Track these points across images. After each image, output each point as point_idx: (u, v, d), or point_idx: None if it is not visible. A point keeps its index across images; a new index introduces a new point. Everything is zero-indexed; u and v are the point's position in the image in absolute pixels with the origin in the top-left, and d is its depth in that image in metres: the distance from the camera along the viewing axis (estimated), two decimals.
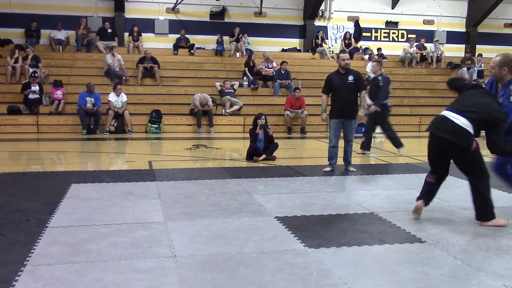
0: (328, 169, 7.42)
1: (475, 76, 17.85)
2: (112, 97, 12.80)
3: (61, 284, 3.23)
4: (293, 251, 3.92)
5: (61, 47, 16.35)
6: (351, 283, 3.31)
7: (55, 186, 6.22)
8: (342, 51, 7.64)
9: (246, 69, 15.86)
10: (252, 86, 15.45)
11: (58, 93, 13.19)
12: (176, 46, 17.26)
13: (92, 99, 12.64)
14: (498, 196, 5.97)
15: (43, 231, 4.33)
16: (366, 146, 9.63)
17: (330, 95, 7.48)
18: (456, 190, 6.29)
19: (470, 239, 4.30)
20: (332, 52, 18.88)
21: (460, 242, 4.23)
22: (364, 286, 3.28)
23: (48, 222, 4.60)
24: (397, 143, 9.30)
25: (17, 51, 14.34)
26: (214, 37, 17.64)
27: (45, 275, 3.37)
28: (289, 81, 15.40)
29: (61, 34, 16.37)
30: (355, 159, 8.53)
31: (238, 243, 4.13)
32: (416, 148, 10.74)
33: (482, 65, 18.33)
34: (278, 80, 15.31)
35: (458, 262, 3.75)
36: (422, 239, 4.23)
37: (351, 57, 18.50)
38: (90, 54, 16.22)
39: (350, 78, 7.18)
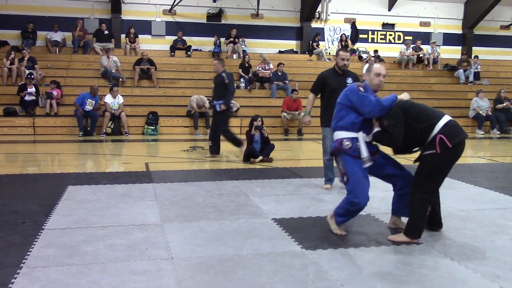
0: (327, 186, 6.45)
1: (471, 78, 17.91)
2: (108, 99, 12.78)
3: (57, 286, 3.22)
4: (290, 253, 3.92)
5: (57, 49, 16.32)
6: (348, 284, 3.31)
7: (52, 188, 6.20)
8: (343, 48, 6.76)
9: (240, 70, 15.88)
10: (248, 87, 15.46)
11: (54, 93, 13.15)
12: (173, 48, 17.25)
13: (93, 101, 12.63)
14: (494, 197, 5.99)
15: (39, 233, 4.32)
16: (215, 150, 9.05)
17: (320, 96, 6.55)
18: (452, 191, 6.30)
19: (467, 241, 4.31)
20: (329, 54, 18.91)
21: (457, 243, 4.23)
22: (360, 286, 3.28)
23: (45, 224, 4.59)
24: (237, 143, 8.95)
25: (13, 52, 14.32)
26: (211, 39, 17.64)
27: (41, 278, 3.36)
28: (286, 82, 15.39)
29: (57, 36, 16.34)
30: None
31: (235, 245, 4.12)
32: None
33: (479, 67, 18.39)
34: (274, 82, 15.33)
35: (455, 263, 3.76)
36: (419, 240, 4.23)
37: None
38: (87, 56, 16.20)
39: (349, 80, 6.24)
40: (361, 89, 4.30)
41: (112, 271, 3.50)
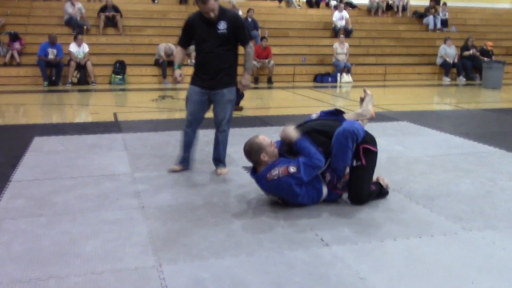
0: (176, 167, 4.82)
1: (439, 25, 17.97)
2: (73, 47, 12.38)
3: (27, 237, 3.21)
4: (261, 199, 3.97)
5: None
6: (317, 229, 3.39)
7: (17, 139, 6.07)
8: None
9: None
10: None
11: (16, 45, 12.68)
12: None
13: (54, 50, 12.20)
14: (459, 143, 6.15)
15: (7, 185, 4.26)
16: None
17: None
18: (419, 138, 6.44)
19: (432, 185, 4.44)
20: (299, 0, 18.62)
21: (422, 187, 4.36)
22: (329, 230, 3.37)
23: (12, 176, 4.52)
24: None
25: None
26: None
27: (10, 229, 3.33)
28: (258, 30, 15.15)
29: None
30: None
31: (206, 193, 4.16)
32: (382, 97, 10.87)
33: (446, 14, 18.43)
34: None
35: (419, 207, 3.88)
36: (387, 185, 4.33)
37: (318, 5, 18.30)
38: (49, 2, 15.53)
39: (222, 26, 4.49)
40: (292, 169, 3.62)
41: (83, 221, 3.49)
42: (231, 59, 4.70)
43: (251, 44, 4.78)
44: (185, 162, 4.83)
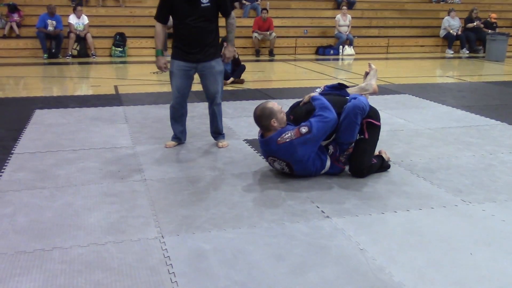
0: (171, 143, 4.77)
1: None
2: (72, 19, 12.27)
3: (30, 209, 3.23)
4: (261, 173, 3.99)
5: None
6: (318, 201, 3.42)
7: (18, 112, 6.07)
8: None
9: None
10: None
11: (15, 16, 12.56)
12: None
13: (54, 21, 12.09)
14: (460, 116, 6.14)
15: (9, 158, 4.27)
16: None
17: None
18: (421, 110, 6.42)
19: (433, 158, 4.45)
20: None
21: (423, 160, 4.37)
22: (329, 202, 3.39)
23: (14, 149, 4.54)
24: None
25: None
26: None
27: (14, 201, 3.36)
28: (258, 1, 14.98)
29: None
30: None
31: (208, 166, 4.17)
32: (384, 70, 10.80)
33: None
34: (243, 0, 14.87)
35: (420, 179, 3.90)
36: (390, 158, 4.34)
37: None
38: None
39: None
40: (304, 129, 3.68)
41: (85, 193, 3.52)
42: (214, 31, 4.55)
43: (233, 14, 4.63)
44: (179, 136, 4.81)
